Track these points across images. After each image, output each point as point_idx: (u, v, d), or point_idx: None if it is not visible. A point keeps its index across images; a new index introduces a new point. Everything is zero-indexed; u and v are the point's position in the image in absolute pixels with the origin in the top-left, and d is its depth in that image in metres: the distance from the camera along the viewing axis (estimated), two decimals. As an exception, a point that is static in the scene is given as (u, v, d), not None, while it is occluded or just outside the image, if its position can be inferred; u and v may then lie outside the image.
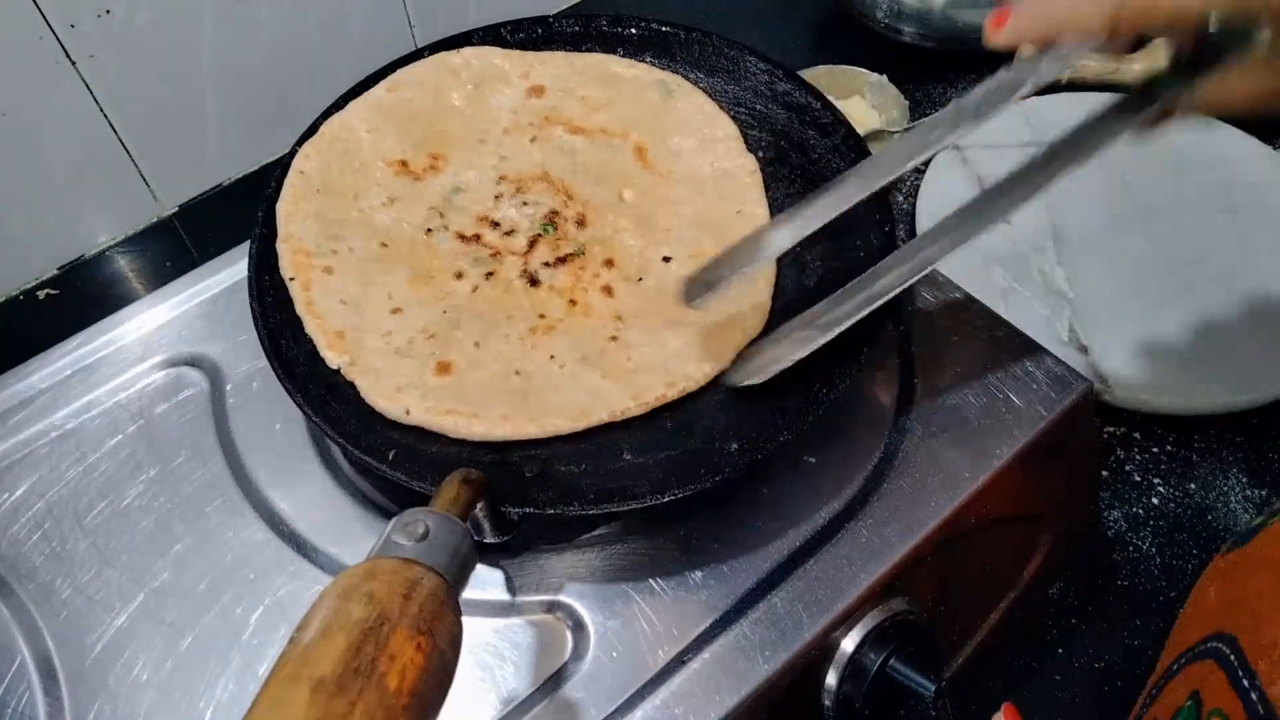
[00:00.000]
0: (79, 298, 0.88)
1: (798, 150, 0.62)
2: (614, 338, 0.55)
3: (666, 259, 0.59)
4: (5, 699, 0.50)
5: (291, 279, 0.55)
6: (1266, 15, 0.37)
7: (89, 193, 0.87)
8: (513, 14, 0.68)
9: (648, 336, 0.55)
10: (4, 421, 0.60)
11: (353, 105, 0.63)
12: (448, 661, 0.34)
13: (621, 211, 0.61)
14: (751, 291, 0.57)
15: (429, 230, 0.59)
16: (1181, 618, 0.49)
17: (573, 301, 0.56)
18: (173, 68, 0.84)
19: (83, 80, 0.81)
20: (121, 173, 0.88)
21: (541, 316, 0.56)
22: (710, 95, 0.65)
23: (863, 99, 0.90)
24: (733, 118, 0.64)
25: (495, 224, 0.60)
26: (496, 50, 0.66)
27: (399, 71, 0.64)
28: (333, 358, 0.53)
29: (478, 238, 0.59)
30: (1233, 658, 0.41)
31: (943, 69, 1.00)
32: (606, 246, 0.59)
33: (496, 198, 0.61)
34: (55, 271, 0.89)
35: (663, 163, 0.63)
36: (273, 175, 0.60)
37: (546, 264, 0.58)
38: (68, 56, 0.79)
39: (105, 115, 0.83)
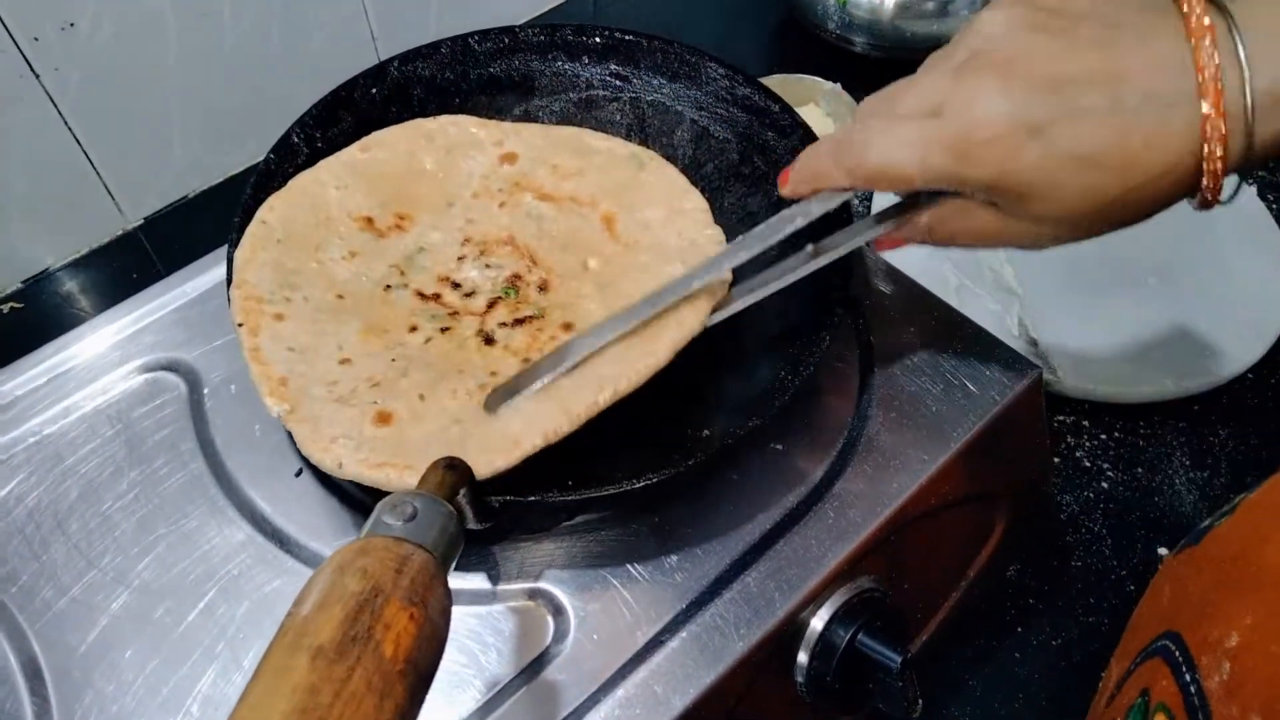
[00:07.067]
0: (43, 312, 0.88)
1: (759, 151, 0.64)
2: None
3: None
4: (-11, 700, 0.50)
5: (240, 324, 0.54)
6: (974, 187, 0.44)
7: (53, 206, 0.87)
8: (474, 26, 0.68)
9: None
10: (-22, 429, 0.60)
11: (324, 163, 0.62)
12: (439, 631, 0.36)
13: (585, 279, 0.60)
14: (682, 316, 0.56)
15: (388, 287, 0.58)
16: (1136, 616, 0.50)
17: (526, 360, 0.55)
18: (137, 80, 0.85)
19: (46, 93, 0.81)
20: (86, 186, 0.88)
21: (493, 374, 0.54)
22: (681, 171, 0.64)
23: (817, 107, 0.94)
24: (694, 120, 0.66)
25: (456, 285, 0.59)
26: (473, 119, 0.65)
27: (373, 134, 0.64)
28: (272, 405, 0.51)
29: (437, 297, 0.59)
30: (1178, 654, 0.42)
31: (893, 77, 1.02)
32: (567, 311, 0.58)
33: (460, 259, 0.60)
34: (19, 285, 0.89)
35: (630, 233, 0.62)
36: (244, 182, 0.61)
37: (504, 324, 0.57)
38: (31, 69, 0.79)
39: (69, 128, 0.84)
